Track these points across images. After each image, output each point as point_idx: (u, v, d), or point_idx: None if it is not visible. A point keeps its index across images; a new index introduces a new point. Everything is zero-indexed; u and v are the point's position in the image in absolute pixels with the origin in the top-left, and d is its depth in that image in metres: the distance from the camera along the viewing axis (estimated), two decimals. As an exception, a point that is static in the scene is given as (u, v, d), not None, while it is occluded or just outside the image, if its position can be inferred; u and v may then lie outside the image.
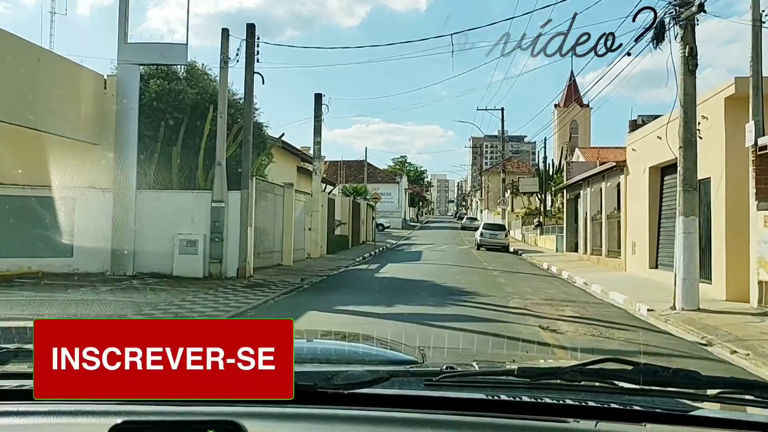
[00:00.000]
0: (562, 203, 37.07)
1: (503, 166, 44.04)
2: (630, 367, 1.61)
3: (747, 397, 1.59)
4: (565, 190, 27.80)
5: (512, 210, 55.40)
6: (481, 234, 31.41)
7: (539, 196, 39.55)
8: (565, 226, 27.80)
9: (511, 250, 31.40)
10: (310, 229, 23.61)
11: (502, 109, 43.48)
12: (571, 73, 71.49)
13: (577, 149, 54.05)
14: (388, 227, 56.36)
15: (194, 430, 1.26)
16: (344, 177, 57.62)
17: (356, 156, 68.33)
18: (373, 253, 27.44)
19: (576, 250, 26.53)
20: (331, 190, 37.35)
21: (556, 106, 70.71)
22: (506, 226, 33.28)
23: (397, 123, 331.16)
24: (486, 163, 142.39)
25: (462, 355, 3.09)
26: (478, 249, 31.30)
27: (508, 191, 47.81)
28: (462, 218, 79.54)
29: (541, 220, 35.54)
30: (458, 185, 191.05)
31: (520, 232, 42.48)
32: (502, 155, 43.77)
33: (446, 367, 1.68)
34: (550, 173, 39.98)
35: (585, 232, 24.13)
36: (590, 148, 54.48)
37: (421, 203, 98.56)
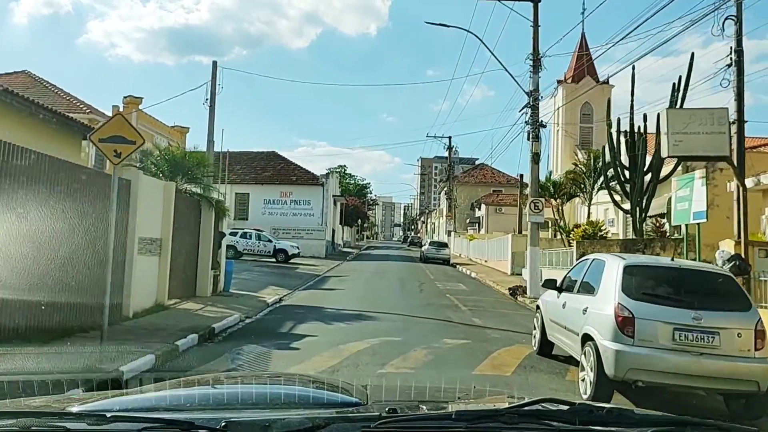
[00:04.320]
0: None
1: (535, 131, 19.46)
2: (566, 407, 1.60)
3: None
4: None
5: (520, 231, 31.34)
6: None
7: (733, 178, 14.66)
8: None
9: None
10: None
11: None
12: (582, 35, 48.19)
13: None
14: (296, 254, 32.07)
15: None
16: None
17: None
18: None
19: None
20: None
21: (559, 82, 47.78)
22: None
23: (344, 146, 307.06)
24: (436, 183, 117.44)
25: (407, 392, 2.67)
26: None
27: (524, 202, 23.46)
28: (418, 244, 54.99)
29: (742, 256, 10.90)
30: (405, 208, 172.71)
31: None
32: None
33: (388, 410, 1.62)
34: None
35: None
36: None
37: (361, 222, 73.51)
